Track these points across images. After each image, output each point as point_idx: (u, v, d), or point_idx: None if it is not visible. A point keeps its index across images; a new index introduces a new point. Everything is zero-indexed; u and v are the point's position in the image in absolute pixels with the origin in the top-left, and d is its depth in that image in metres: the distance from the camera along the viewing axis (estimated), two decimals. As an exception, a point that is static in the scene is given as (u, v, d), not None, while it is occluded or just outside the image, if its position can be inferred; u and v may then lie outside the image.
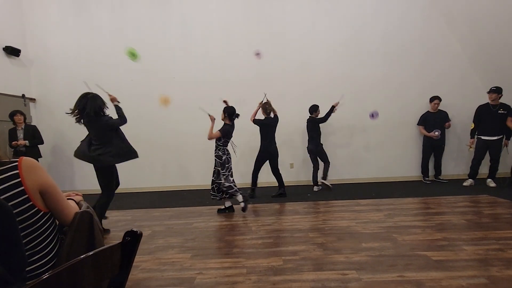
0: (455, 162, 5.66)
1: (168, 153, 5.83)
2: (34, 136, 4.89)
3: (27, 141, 4.75)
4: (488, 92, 4.73)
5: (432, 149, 5.36)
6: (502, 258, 2.22)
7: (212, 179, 3.88)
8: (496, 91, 4.65)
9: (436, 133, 5.18)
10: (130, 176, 5.88)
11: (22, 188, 0.97)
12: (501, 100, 4.74)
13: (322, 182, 5.06)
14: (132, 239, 0.89)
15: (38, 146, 5.04)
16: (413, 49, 5.54)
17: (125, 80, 5.74)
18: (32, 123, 5.76)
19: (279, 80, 5.65)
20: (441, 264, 2.16)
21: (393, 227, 3.00)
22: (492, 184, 4.76)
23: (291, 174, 5.73)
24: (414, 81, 5.60)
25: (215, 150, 3.90)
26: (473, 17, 5.31)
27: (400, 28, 5.52)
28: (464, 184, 4.93)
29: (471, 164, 4.96)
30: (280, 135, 5.66)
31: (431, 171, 5.54)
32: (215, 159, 3.87)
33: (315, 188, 5.08)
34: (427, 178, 5.47)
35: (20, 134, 4.75)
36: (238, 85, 5.66)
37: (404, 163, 5.74)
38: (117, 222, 3.69)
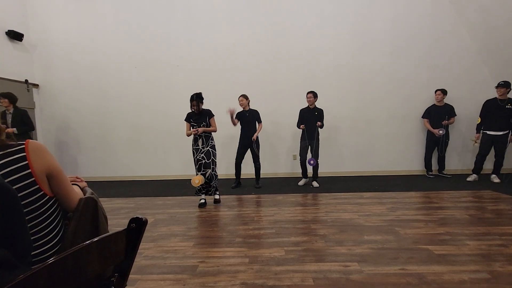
0: (459, 157, 5.62)
1: (171, 141, 5.82)
2: (23, 121, 4.48)
3: (15, 129, 4.32)
4: (497, 87, 4.65)
5: (436, 143, 5.32)
6: (505, 253, 2.21)
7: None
8: (505, 85, 4.57)
9: (441, 132, 5.11)
10: (133, 164, 5.92)
11: (29, 171, 0.96)
12: (510, 94, 4.67)
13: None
14: (137, 226, 0.88)
15: (30, 132, 4.66)
16: (420, 38, 5.43)
17: (129, 67, 5.71)
18: (35, 109, 5.76)
19: (284, 67, 5.60)
20: (443, 258, 2.16)
21: (396, 221, 3.00)
22: (496, 180, 4.73)
23: (294, 166, 5.73)
24: (420, 71, 5.51)
25: (211, 139, 3.96)
26: (483, 4, 5.17)
27: (408, 16, 5.40)
28: (468, 179, 4.90)
29: (476, 159, 4.92)
30: (285, 125, 5.67)
31: (435, 166, 5.50)
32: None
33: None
34: (431, 173, 5.44)
35: (9, 119, 4.39)
36: (242, 72, 5.61)
37: (408, 157, 5.70)
38: (119, 210, 3.71)
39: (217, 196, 3.93)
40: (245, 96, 4.72)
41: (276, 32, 5.53)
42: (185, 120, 3.91)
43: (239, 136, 4.84)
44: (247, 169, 5.30)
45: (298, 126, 4.87)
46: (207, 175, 3.74)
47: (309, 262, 2.14)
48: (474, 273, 1.94)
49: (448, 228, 2.75)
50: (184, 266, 2.14)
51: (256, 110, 4.80)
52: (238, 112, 4.75)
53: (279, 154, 5.78)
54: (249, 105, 4.76)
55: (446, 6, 5.32)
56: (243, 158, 4.84)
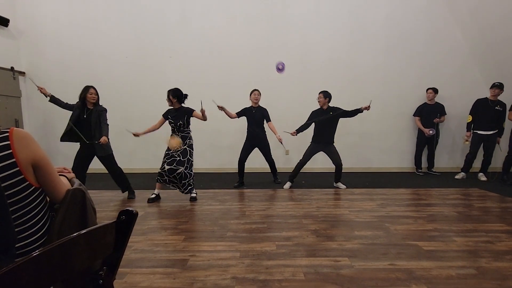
0: (449, 155, 5.72)
1: (162, 133, 5.72)
2: None
3: None
4: (491, 87, 4.70)
5: (426, 141, 5.39)
6: (491, 250, 2.26)
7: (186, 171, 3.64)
8: (499, 86, 4.64)
9: (431, 132, 5.19)
10: (123, 156, 5.81)
11: (13, 160, 0.92)
12: (501, 97, 4.75)
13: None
14: (127, 218, 0.85)
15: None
16: (414, 37, 5.46)
17: (119, 56, 5.57)
18: (22, 98, 5.60)
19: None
20: (431, 254, 2.20)
21: (386, 217, 3.03)
22: (483, 178, 4.84)
23: (286, 161, 5.72)
24: (413, 70, 5.55)
25: (189, 138, 3.76)
26: (476, 5, 5.25)
27: (403, 14, 5.41)
28: (456, 177, 5.00)
29: (466, 158, 5.00)
30: (277, 120, 5.63)
31: (424, 163, 5.59)
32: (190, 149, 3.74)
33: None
34: (420, 170, 5.52)
35: None
36: (235, 65, 5.55)
37: (398, 154, 5.77)
38: (109, 202, 3.65)
39: (193, 194, 3.76)
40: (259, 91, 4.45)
41: (272, 26, 5.46)
42: (162, 115, 3.79)
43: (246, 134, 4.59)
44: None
45: (301, 129, 4.49)
46: (178, 171, 3.55)
47: (300, 257, 2.15)
48: (461, 268, 1.98)
49: (437, 225, 2.80)
50: (175, 260, 2.12)
51: (265, 108, 4.56)
52: (245, 108, 4.50)
53: (271, 149, 5.76)
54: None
55: (440, 6, 5.35)
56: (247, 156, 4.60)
